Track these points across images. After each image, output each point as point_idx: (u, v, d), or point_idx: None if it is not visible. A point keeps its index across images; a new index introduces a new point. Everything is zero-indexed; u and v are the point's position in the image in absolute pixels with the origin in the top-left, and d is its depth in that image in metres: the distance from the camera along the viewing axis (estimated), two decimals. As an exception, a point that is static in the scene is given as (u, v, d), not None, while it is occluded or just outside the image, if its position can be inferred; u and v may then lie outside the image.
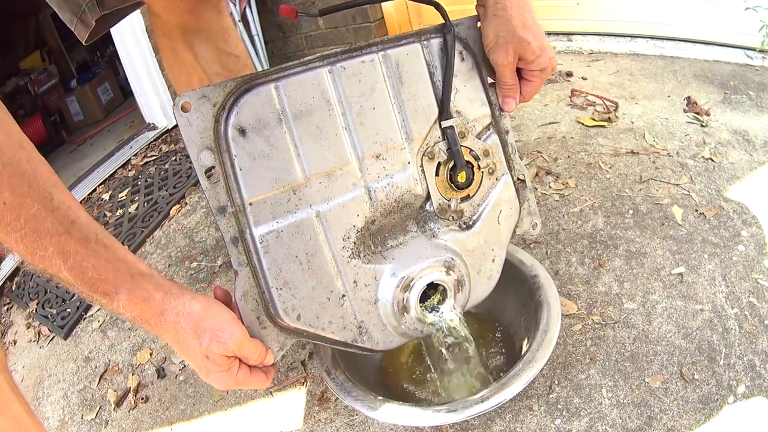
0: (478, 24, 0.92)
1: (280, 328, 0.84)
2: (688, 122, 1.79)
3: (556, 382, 1.06)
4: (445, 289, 0.92)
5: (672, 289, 1.19)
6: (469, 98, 0.93)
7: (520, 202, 1.01)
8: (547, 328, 0.97)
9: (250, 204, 0.79)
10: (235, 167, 0.78)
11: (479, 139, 0.95)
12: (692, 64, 2.22)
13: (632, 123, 1.83)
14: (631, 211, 1.44)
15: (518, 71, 0.93)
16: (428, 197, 0.93)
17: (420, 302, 0.91)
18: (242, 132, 0.78)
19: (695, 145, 1.66)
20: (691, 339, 1.08)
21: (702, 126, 1.75)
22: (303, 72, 0.81)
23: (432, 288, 0.92)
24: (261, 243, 0.80)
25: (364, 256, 0.89)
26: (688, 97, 1.90)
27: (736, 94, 1.93)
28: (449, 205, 0.94)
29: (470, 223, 0.97)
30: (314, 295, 0.85)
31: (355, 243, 0.87)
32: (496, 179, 0.98)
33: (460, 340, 0.96)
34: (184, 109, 0.73)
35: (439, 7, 0.90)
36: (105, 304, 0.71)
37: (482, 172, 0.96)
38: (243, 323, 0.79)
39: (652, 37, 2.45)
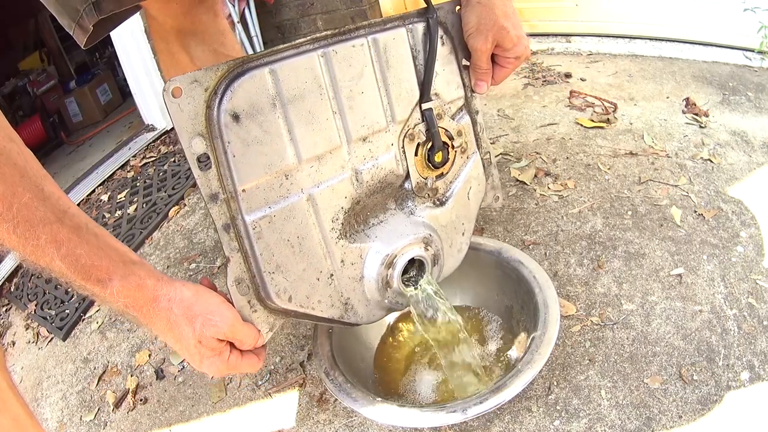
0: (457, 8, 0.95)
1: (270, 310, 0.85)
2: (687, 123, 1.79)
3: (555, 383, 1.06)
4: (422, 263, 0.97)
5: (671, 290, 1.19)
6: (446, 81, 0.97)
7: (486, 178, 1.07)
8: (546, 330, 0.97)
9: (243, 191, 0.78)
10: (228, 154, 0.76)
11: (453, 119, 1.00)
12: (691, 65, 2.23)
13: (631, 124, 1.83)
14: (629, 213, 1.44)
15: (493, 57, 0.97)
16: (407, 176, 0.97)
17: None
18: (236, 118, 0.76)
19: (694, 146, 1.66)
20: (689, 340, 1.08)
21: (701, 127, 1.75)
22: (295, 56, 0.80)
23: (410, 263, 0.96)
24: (253, 229, 0.80)
25: (350, 236, 0.91)
26: (687, 98, 1.90)
27: (734, 95, 1.93)
28: (426, 184, 0.99)
29: (444, 199, 1.03)
30: (305, 276, 0.87)
31: (342, 224, 0.90)
32: (467, 157, 1.04)
33: (440, 310, 0.99)
34: (174, 94, 0.70)
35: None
36: (97, 292, 0.71)
37: (455, 151, 1.01)
38: (234, 308, 0.80)
39: (651, 39, 2.46)
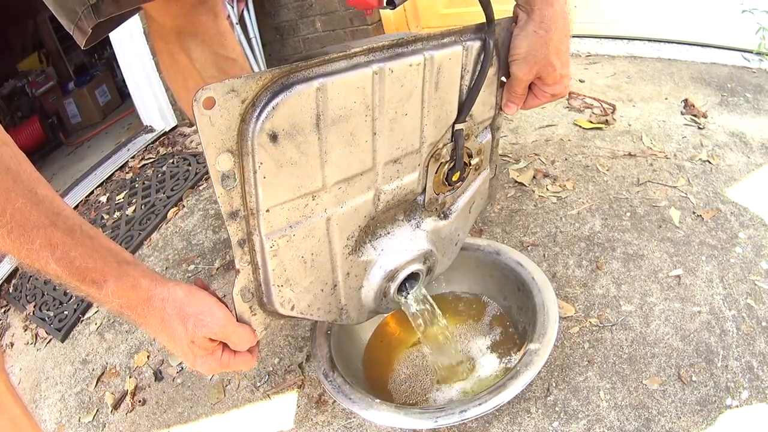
0: (513, 24, 0.88)
1: (268, 313, 0.85)
2: (686, 124, 1.79)
3: (554, 385, 1.06)
4: (417, 274, 0.98)
5: (669, 291, 1.20)
6: (483, 102, 0.93)
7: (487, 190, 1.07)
8: (545, 331, 0.97)
9: (267, 211, 0.73)
10: (258, 174, 0.69)
11: (476, 138, 0.98)
12: (689, 66, 2.23)
13: (629, 125, 1.83)
14: (628, 214, 1.44)
15: (529, 84, 0.94)
16: (422, 192, 0.96)
17: None
18: (273, 138, 0.68)
19: (692, 147, 1.66)
20: (688, 341, 1.08)
21: (699, 128, 1.76)
22: (348, 70, 0.72)
23: None
24: (271, 247, 0.77)
25: (359, 250, 0.91)
26: (686, 100, 1.90)
27: (733, 97, 1.93)
28: (437, 199, 0.98)
29: (448, 213, 1.02)
30: (311, 288, 0.86)
31: (356, 241, 0.89)
32: (479, 174, 1.03)
33: (428, 314, 1.02)
34: (205, 105, 0.61)
35: (486, 6, 0.83)
36: (92, 293, 0.71)
37: (471, 168, 1.00)
38: (235, 312, 0.80)
39: (650, 40, 2.46)
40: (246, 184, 0.70)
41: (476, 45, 0.84)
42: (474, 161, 0.99)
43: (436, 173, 0.95)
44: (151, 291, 0.73)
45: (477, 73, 0.87)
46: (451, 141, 0.92)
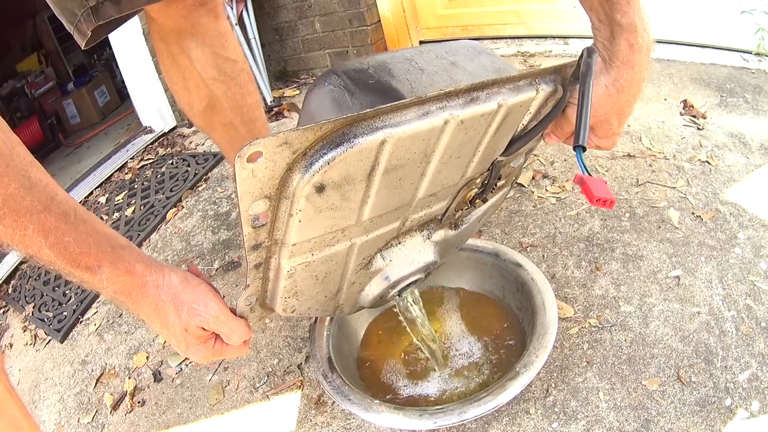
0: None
1: (267, 309, 0.85)
2: (685, 125, 1.79)
3: (553, 386, 1.06)
4: (415, 281, 0.98)
5: (669, 292, 1.20)
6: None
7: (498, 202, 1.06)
8: (544, 332, 0.97)
9: (294, 245, 0.70)
10: (293, 218, 0.65)
11: (510, 164, 0.95)
12: (688, 67, 2.23)
13: (629, 126, 1.84)
14: (627, 215, 1.44)
15: None
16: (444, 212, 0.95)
17: None
18: (320, 190, 0.62)
19: (692, 148, 1.66)
20: (688, 342, 1.08)
21: (698, 129, 1.76)
22: (418, 119, 0.64)
23: None
24: (289, 272, 0.75)
25: (369, 263, 0.90)
26: (685, 100, 1.90)
27: (732, 97, 1.93)
28: (455, 215, 0.97)
29: (460, 224, 1.02)
30: (316, 297, 0.87)
31: (370, 260, 0.88)
32: (499, 191, 1.02)
33: (416, 311, 1.04)
34: (249, 159, 0.55)
35: (582, 60, 0.77)
36: (86, 279, 0.70)
37: (496, 190, 0.98)
38: (236, 311, 0.80)
39: (649, 41, 2.46)
40: (276, 221, 0.66)
41: (548, 89, 0.77)
42: (500, 183, 0.97)
43: (463, 197, 0.94)
44: (146, 277, 0.73)
45: (540, 119, 0.81)
46: (488, 170, 0.89)
